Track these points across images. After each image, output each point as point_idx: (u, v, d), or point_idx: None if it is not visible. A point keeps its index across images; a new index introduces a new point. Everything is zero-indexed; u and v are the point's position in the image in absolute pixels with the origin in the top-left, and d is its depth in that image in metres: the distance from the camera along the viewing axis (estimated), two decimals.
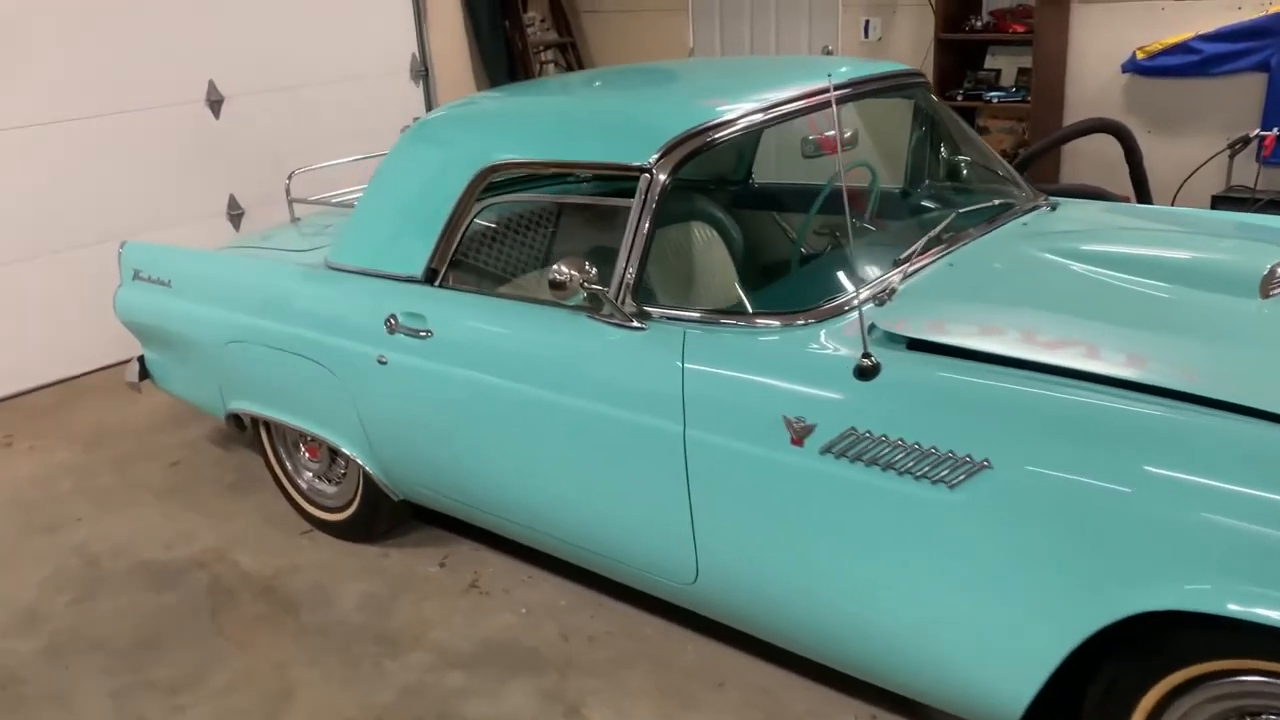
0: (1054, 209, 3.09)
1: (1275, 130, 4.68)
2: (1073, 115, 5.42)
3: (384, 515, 3.43)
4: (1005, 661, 2.02)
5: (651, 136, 2.56)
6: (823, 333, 2.33)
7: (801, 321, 2.38)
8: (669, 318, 2.50)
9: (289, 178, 3.97)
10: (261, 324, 3.33)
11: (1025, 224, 2.89)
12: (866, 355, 2.15)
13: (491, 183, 2.86)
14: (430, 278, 2.97)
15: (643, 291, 2.53)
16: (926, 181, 3.29)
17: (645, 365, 2.46)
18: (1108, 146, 4.47)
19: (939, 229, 2.66)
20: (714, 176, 3.83)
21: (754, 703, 2.70)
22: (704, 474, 2.38)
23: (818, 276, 2.72)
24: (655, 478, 2.47)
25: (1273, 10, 4.78)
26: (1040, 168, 5.52)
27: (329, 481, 3.57)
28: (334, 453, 3.46)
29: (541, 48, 7.17)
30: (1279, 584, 1.70)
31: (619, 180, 2.66)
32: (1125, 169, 4.36)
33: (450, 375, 2.85)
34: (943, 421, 2.05)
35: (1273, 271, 2.29)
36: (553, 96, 3.32)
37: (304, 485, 3.64)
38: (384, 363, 2.99)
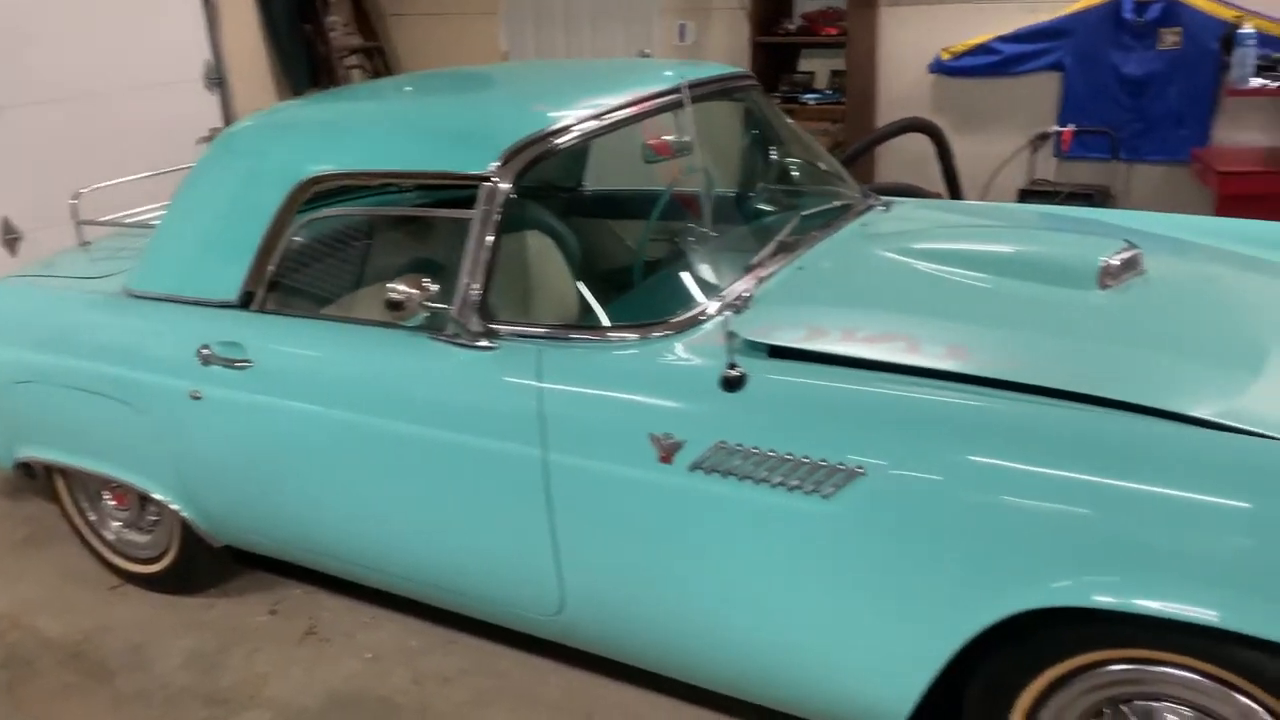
0: (888, 208, 3.11)
1: (1071, 126, 4.94)
2: (885, 115, 5.57)
3: (204, 564, 3.13)
4: (886, 671, 1.98)
5: (490, 143, 2.40)
6: (681, 344, 2.24)
7: (659, 333, 2.28)
8: (519, 335, 2.35)
9: (74, 197, 3.58)
10: (52, 361, 2.97)
11: (864, 224, 2.89)
12: (732, 365, 2.08)
13: (314, 194, 2.64)
14: (246, 301, 2.71)
15: (489, 308, 2.38)
16: (761, 185, 3.26)
17: (497, 387, 2.31)
18: (920, 145, 4.60)
19: (786, 232, 2.62)
20: (545, 184, 3.70)
21: None
22: (568, 499, 2.25)
23: (668, 285, 2.63)
24: (514, 506, 2.32)
25: (1065, 13, 5.04)
26: (856, 168, 5.66)
27: (140, 530, 3.23)
28: (144, 499, 3.13)
29: (346, 52, 6.85)
30: (1140, 571, 1.72)
31: (450, 190, 2.49)
32: (937, 166, 4.50)
33: (275, 408, 2.61)
34: (815, 430, 1.99)
35: (1108, 264, 2.35)
36: (374, 103, 3.11)
37: (110, 536, 3.29)
38: (198, 398, 2.71)
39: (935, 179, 4.60)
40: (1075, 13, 5.01)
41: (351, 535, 2.68)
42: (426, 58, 6.85)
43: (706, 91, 3.00)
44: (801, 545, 2.00)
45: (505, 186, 2.36)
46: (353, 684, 2.81)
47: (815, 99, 5.55)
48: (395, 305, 2.30)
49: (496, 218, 2.36)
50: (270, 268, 2.68)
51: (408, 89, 3.28)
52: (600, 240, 3.56)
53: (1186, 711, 1.85)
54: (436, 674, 2.82)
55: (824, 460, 1.95)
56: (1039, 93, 5.20)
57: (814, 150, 3.34)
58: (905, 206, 3.15)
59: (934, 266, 2.49)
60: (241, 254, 2.69)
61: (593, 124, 2.55)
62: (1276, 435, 1.74)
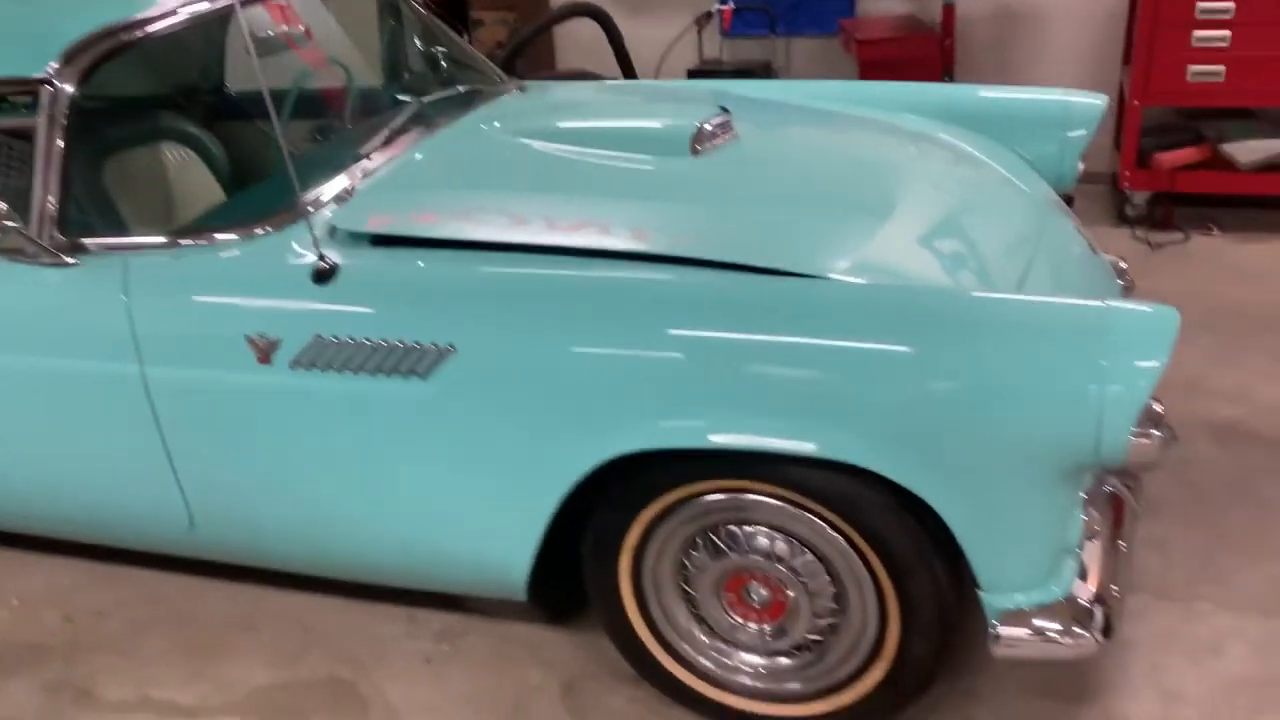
0: (524, 92, 3.12)
1: (730, 4, 5.08)
2: (559, 1, 5.54)
3: None
4: (499, 536, 2.06)
5: (48, 43, 2.23)
6: (278, 242, 2.18)
7: (261, 232, 2.22)
8: (110, 248, 2.23)
9: None
10: None
11: (491, 109, 2.89)
12: (321, 258, 2.05)
13: None
14: None
15: (74, 223, 2.24)
16: (393, 76, 3.19)
17: (85, 305, 2.20)
18: (597, 31, 4.61)
19: (400, 121, 2.59)
20: (181, 87, 3.47)
21: (289, 636, 2.58)
22: (173, 413, 2.19)
23: (280, 184, 2.55)
24: (123, 427, 2.24)
25: None
26: (536, 57, 5.62)
27: None
28: None
29: None
30: (741, 412, 1.85)
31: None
32: (611, 52, 4.54)
33: None
34: (404, 314, 2.01)
35: (700, 130, 2.45)
36: None
37: None
38: None
39: (613, 65, 4.65)
40: None
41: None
42: None
43: None
44: (406, 428, 2.03)
45: (69, 88, 2.21)
46: None
47: None
48: None
49: (63, 123, 2.20)
50: None
51: None
52: (244, 143, 3.40)
53: (767, 531, 2.03)
54: (91, 609, 2.72)
55: (416, 342, 1.97)
56: None
57: (449, 39, 3.29)
58: (538, 90, 3.17)
59: (543, 145, 2.53)
60: None
61: (173, 19, 2.41)
62: (840, 278, 1.90)
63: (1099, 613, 1.88)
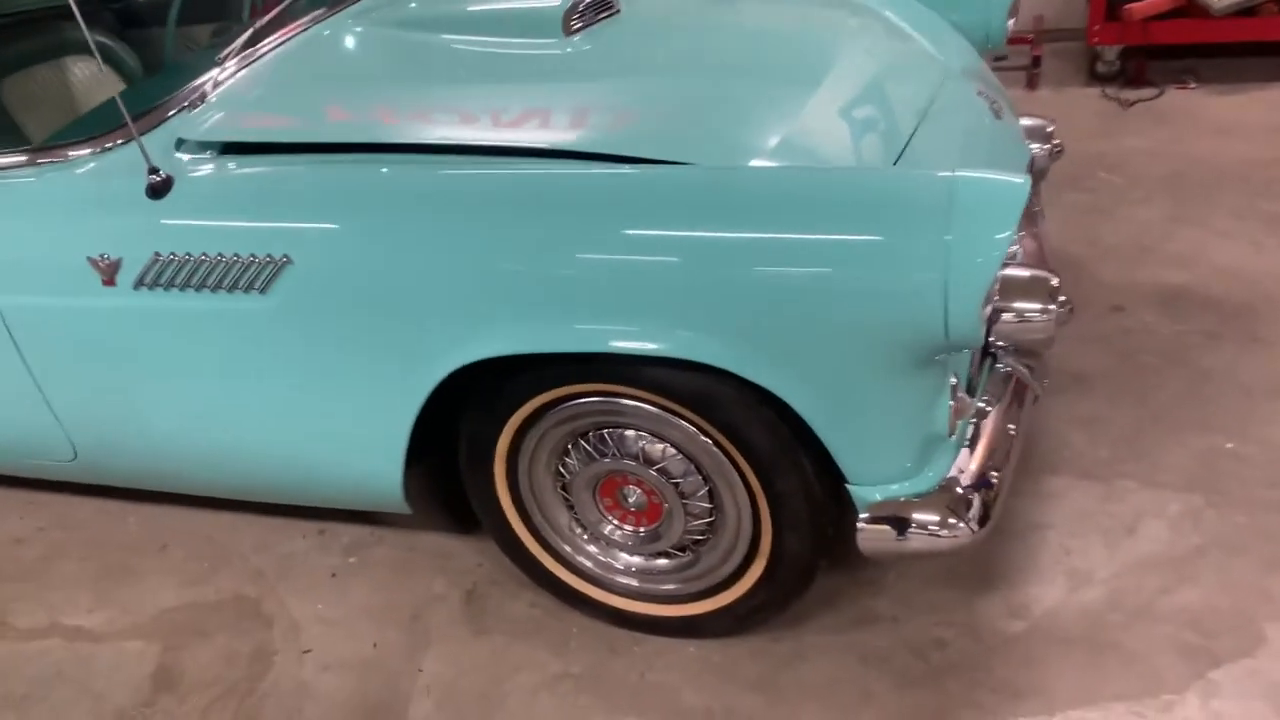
0: None
1: None
2: None
3: None
4: (363, 451, 2.00)
5: None
6: (126, 156, 2.07)
7: (110, 145, 2.11)
8: None
9: None
10: None
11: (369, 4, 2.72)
12: (154, 171, 1.95)
13: None
14: None
15: None
16: None
17: None
18: None
19: (263, 21, 2.44)
20: None
21: (200, 554, 2.57)
22: (32, 342, 2.12)
23: (144, 91, 2.43)
24: None
25: None
26: None
27: None
28: None
29: None
30: (590, 314, 1.74)
31: None
32: None
33: None
34: (238, 225, 1.91)
35: (574, 6, 2.30)
36: None
37: None
38: None
39: None
40: None
41: None
42: None
43: None
44: (252, 346, 1.95)
45: None
46: None
47: None
48: None
49: None
50: None
51: None
52: (150, 50, 3.27)
53: (635, 434, 1.95)
54: (8, 538, 2.72)
55: (252, 255, 1.88)
56: None
57: None
58: None
59: (409, 34, 2.39)
60: None
61: None
62: (688, 163, 1.78)
63: (976, 502, 1.79)
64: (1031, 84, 4.43)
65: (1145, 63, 4.25)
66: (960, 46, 2.58)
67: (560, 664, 2.14)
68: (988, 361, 2.06)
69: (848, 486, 1.81)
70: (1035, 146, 2.63)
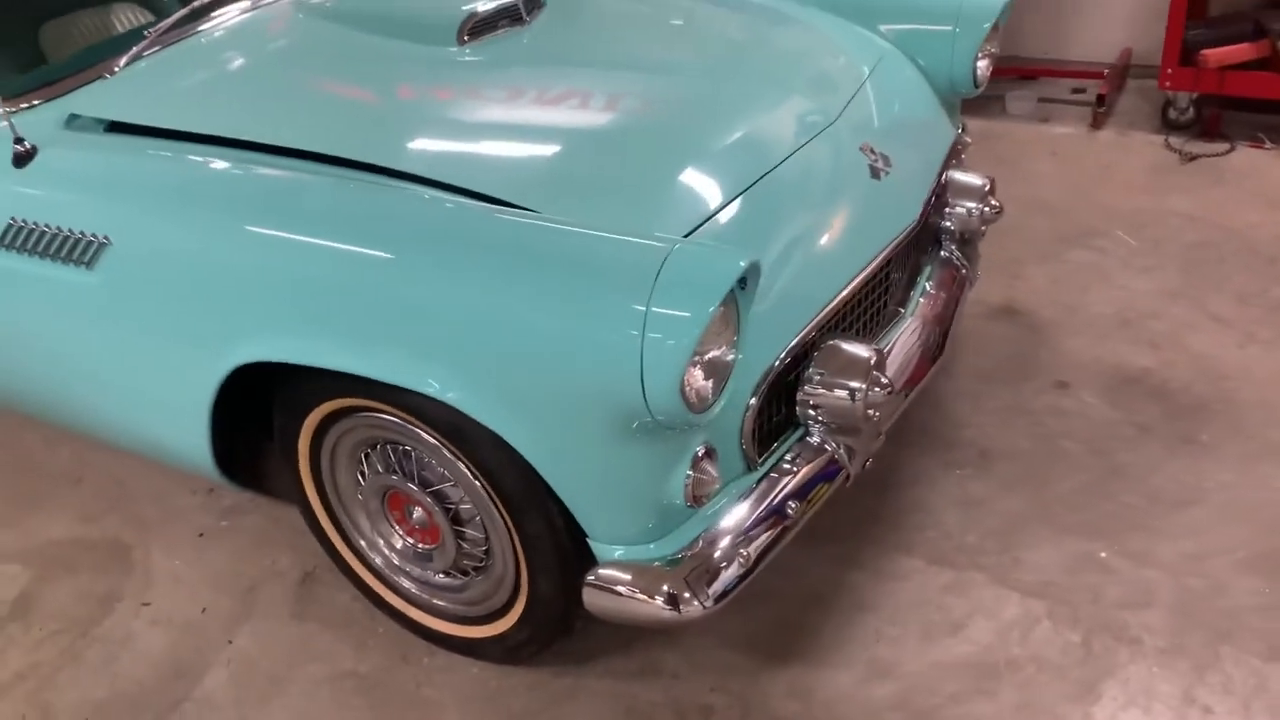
0: None
1: None
2: None
3: None
4: (174, 419, 2.06)
5: None
6: (20, 120, 2.21)
7: (27, 104, 2.25)
8: None
9: None
10: None
11: None
12: (19, 141, 2.08)
13: None
14: None
15: None
16: None
17: None
18: None
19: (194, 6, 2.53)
20: None
21: (104, 494, 2.75)
22: None
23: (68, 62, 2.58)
24: None
25: None
26: None
27: None
28: None
29: None
30: (346, 335, 1.77)
31: None
32: None
33: None
34: (75, 202, 2.02)
35: (470, 17, 2.30)
36: None
37: None
38: None
39: None
40: None
41: None
42: None
43: None
44: (79, 315, 2.06)
45: None
46: None
47: None
48: None
49: None
50: None
51: None
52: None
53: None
54: None
55: (82, 231, 1.98)
56: None
57: None
58: None
59: (319, 25, 2.45)
60: None
61: None
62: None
63: (713, 578, 1.73)
64: (1095, 123, 4.12)
65: (1220, 114, 3.89)
66: (889, 88, 2.43)
67: (353, 662, 2.20)
68: (799, 431, 1.97)
69: (589, 541, 1.78)
70: (968, 207, 2.47)
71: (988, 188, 2.48)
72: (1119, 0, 4.47)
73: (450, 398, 1.68)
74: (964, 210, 2.48)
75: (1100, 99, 4.09)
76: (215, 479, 2.19)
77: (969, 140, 2.77)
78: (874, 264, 2.04)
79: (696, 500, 1.75)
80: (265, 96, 2.19)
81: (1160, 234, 3.37)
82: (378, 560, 2.15)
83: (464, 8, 2.31)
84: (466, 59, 2.26)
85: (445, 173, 1.84)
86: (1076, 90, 4.23)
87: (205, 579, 2.45)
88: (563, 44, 2.40)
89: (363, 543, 2.16)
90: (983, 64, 2.64)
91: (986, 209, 2.47)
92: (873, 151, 2.14)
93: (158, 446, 2.21)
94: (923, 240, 2.43)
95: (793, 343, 1.85)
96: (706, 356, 1.59)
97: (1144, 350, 2.84)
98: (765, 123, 2.12)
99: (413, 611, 2.16)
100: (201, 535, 2.58)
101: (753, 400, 1.79)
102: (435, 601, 2.11)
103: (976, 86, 2.65)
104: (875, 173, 2.12)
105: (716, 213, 1.87)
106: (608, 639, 2.14)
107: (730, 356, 1.63)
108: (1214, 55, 3.73)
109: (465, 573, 2.05)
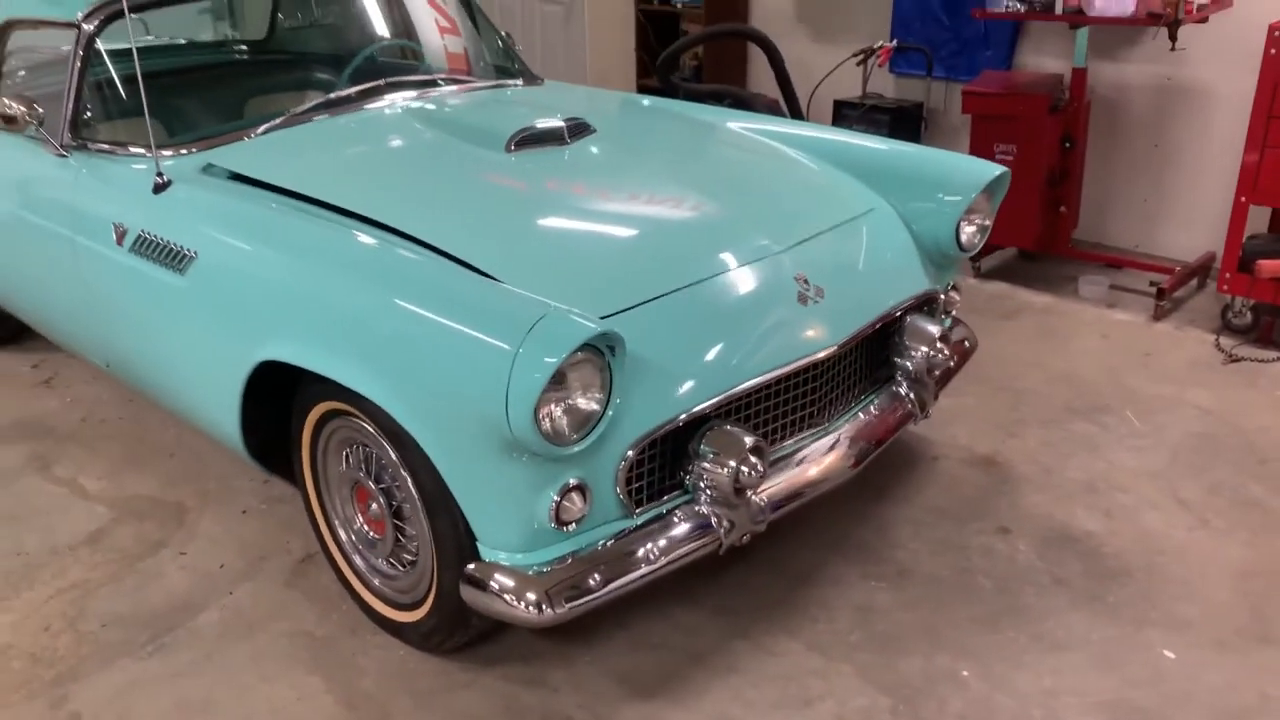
0: (520, 87, 3.67)
1: (883, 42, 5.12)
2: (757, 22, 5.86)
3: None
4: (218, 400, 2.62)
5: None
6: (169, 161, 2.89)
7: (185, 151, 2.96)
8: (87, 148, 3.08)
9: None
10: None
11: (445, 93, 3.43)
12: (160, 174, 2.76)
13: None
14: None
15: (84, 127, 3.13)
16: (421, 62, 3.80)
17: (61, 187, 3.08)
18: (790, 55, 4.99)
19: (341, 95, 3.23)
20: (226, 39, 4.33)
21: (187, 469, 3.37)
22: (82, 271, 3.01)
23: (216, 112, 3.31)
24: (67, 277, 3.10)
25: None
26: (725, 71, 6.00)
27: None
28: None
29: None
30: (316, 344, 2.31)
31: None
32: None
33: None
34: (183, 224, 2.67)
35: (520, 133, 2.86)
36: None
37: None
38: None
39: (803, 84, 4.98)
40: None
41: (24, 296, 3.55)
42: None
43: None
44: (170, 309, 2.70)
45: (89, 28, 3.08)
46: (40, 415, 3.74)
47: (685, 2, 5.94)
48: (9, 119, 3.08)
49: (82, 53, 3.09)
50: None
51: None
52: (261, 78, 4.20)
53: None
54: (101, 416, 3.71)
55: (182, 245, 2.63)
56: (883, 8, 5.38)
57: (486, 34, 3.89)
58: (530, 88, 3.70)
59: (411, 123, 3.09)
60: None
61: None
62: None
63: (557, 592, 2.11)
64: (1157, 314, 4.27)
65: (1274, 322, 3.99)
66: (861, 236, 2.80)
67: (313, 625, 2.66)
68: (687, 497, 2.33)
69: (478, 544, 2.20)
70: (920, 350, 2.78)
71: (939, 336, 2.78)
72: (1209, 205, 4.64)
73: (387, 405, 2.17)
74: (917, 353, 2.79)
75: (1161, 292, 4.26)
76: (244, 457, 2.74)
77: (956, 296, 3.09)
78: (775, 373, 2.39)
79: (561, 524, 2.14)
80: (340, 168, 2.83)
81: (1167, 421, 3.51)
82: (343, 537, 2.63)
83: (520, 126, 2.88)
84: (504, 161, 2.81)
85: (436, 237, 2.36)
86: (1154, 284, 4.40)
87: (232, 544, 2.99)
88: (588, 161, 2.92)
89: (336, 522, 2.64)
90: (969, 230, 2.96)
91: (936, 354, 2.78)
92: (805, 282, 2.52)
93: (207, 421, 2.80)
94: (871, 367, 2.78)
95: (679, 416, 2.23)
96: (570, 400, 2.02)
97: (1096, 516, 3.01)
98: (718, 240, 2.54)
99: (359, 587, 2.62)
100: (244, 512, 3.15)
101: (630, 453, 2.18)
102: (374, 582, 2.57)
103: (963, 250, 2.97)
104: (803, 299, 2.49)
105: (645, 303, 2.30)
106: (513, 648, 2.53)
107: (595, 407, 2.05)
108: (1267, 266, 3.87)
109: (402, 564, 2.50)
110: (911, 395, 2.82)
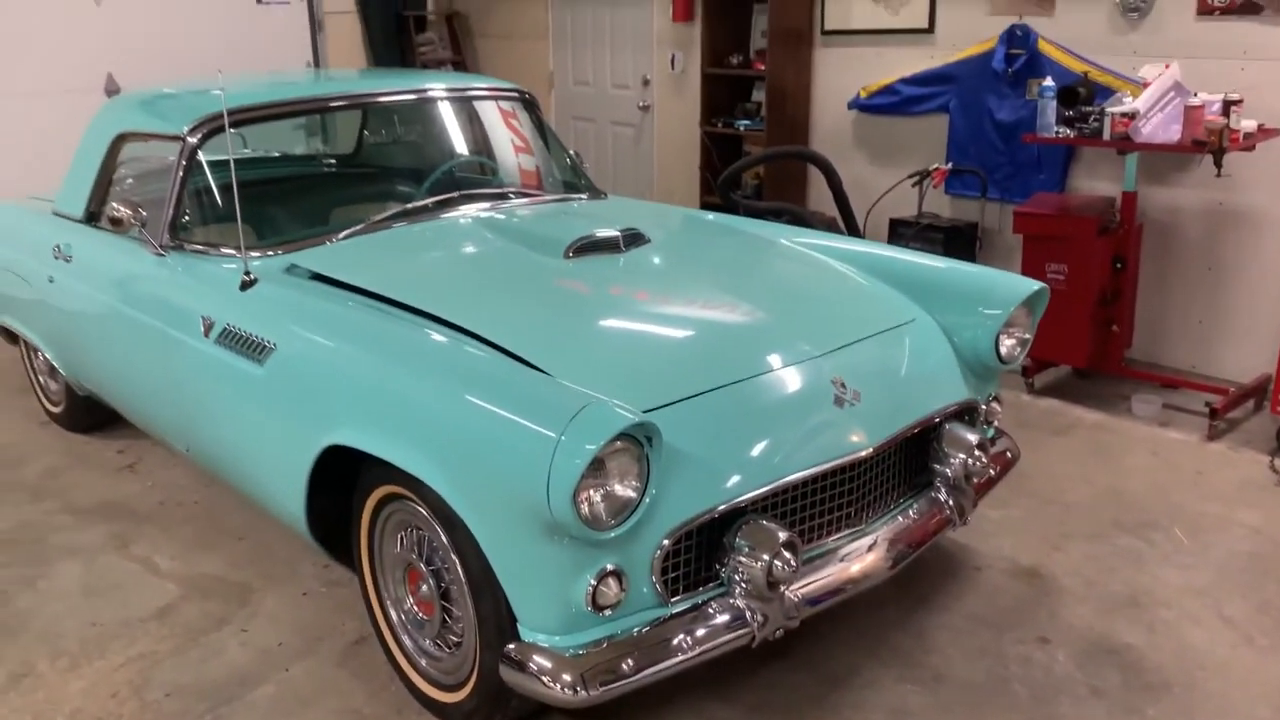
0: (585, 200, 3.91)
1: (938, 165, 5.29)
2: (817, 145, 6.10)
3: (81, 408, 4.36)
4: (284, 483, 2.80)
5: (189, 114, 3.45)
6: (257, 261, 3.15)
7: (271, 253, 3.22)
8: (183, 249, 3.37)
9: None
10: (3, 252, 4.34)
11: (517, 206, 3.68)
12: (247, 273, 3.01)
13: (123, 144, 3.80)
14: (90, 218, 3.90)
15: (182, 229, 3.42)
16: (494, 176, 4.07)
17: (156, 284, 3.36)
18: (849, 176, 5.23)
19: (420, 204, 3.50)
20: (318, 153, 4.71)
21: (255, 553, 3.54)
22: (171, 359, 3.24)
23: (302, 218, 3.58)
24: (160, 365, 3.34)
25: (953, 60, 5.41)
26: (785, 189, 6.22)
27: (52, 379, 4.53)
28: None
29: (435, 65, 8.13)
30: (391, 429, 2.48)
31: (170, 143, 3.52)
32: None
33: (77, 290, 3.79)
34: (266, 319, 2.90)
35: (579, 241, 3.06)
36: (162, 90, 4.08)
37: (42, 382, 4.63)
38: (52, 280, 3.93)
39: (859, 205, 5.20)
40: (960, 60, 5.36)
41: (116, 384, 3.81)
42: (495, 70, 8.01)
43: (477, 95, 4.00)
44: (249, 396, 2.91)
45: (193, 141, 3.40)
46: (123, 497, 3.95)
47: (747, 125, 6.19)
48: (116, 221, 3.38)
49: (185, 163, 3.39)
50: (99, 195, 3.86)
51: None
52: (340, 189, 4.51)
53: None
54: (179, 500, 3.92)
55: (260, 337, 2.85)
56: (935, 133, 5.58)
57: (556, 153, 4.16)
58: (594, 202, 3.93)
59: (480, 231, 3.33)
60: (84, 185, 3.90)
61: (279, 108, 3.59)
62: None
63: (592, 675, 2.20)
64: (1210, 435, 4.27)
65: None
66: (903, 345, 2.92)
67: (362, 703, 2.77)
68: (723, 589, 2.42)
69: (518, 626, 2.31)
70: (958, 458, 2.85)
71: (977, 443, 2.86)
72: (1263, 327, 4.66)
73: (440, 487, 2.32)
74: (955, 459, 2.87)
75: (1214, 412, 4.26)
76: (308, 539, 2.90)
77: (998, 407, 3.17)
78: (810, 471, 2.49)
79: (598, 608, 2.24)
80: (411, 270, 3.04)
81: (1215, 539, 3.50)
82: (394, 617, 2.75)
83: (579, 234, 3.09)
84: (562, 266, 3.01)
85: (495, 334, 2.53)
86: (1208, 404, 4.41)
87: (291, 624, 3.13)
88: (641, 268, 3.10)
89: (389, 602, 2.77)
90: (1009, 343, 3.06)
91: (975, 462, 2.85)
92: (843, 385, 2.63)
93: (276, 503, 2.97)
94: (911, 473, 2.86)
95: (715, 508, 2.34)
96: (608, 487, 2.15)
97: (1138, 630, 3.01)
98: (759, 344, 2.68)
99: (406, 667, 2.73)
100: (305, 594, 3.29)
101: (665, 541, 2.29)
102: (421, 662, 2.68)
103: (1003, 362, 3.07)
104: (839, 401, 2.61)
105: (686, 399, 2.43)
106: None
107: (631, 494, 2.17)
108: None
109: (447, 645, 2.61)
110: (950, 502, 2.89)
